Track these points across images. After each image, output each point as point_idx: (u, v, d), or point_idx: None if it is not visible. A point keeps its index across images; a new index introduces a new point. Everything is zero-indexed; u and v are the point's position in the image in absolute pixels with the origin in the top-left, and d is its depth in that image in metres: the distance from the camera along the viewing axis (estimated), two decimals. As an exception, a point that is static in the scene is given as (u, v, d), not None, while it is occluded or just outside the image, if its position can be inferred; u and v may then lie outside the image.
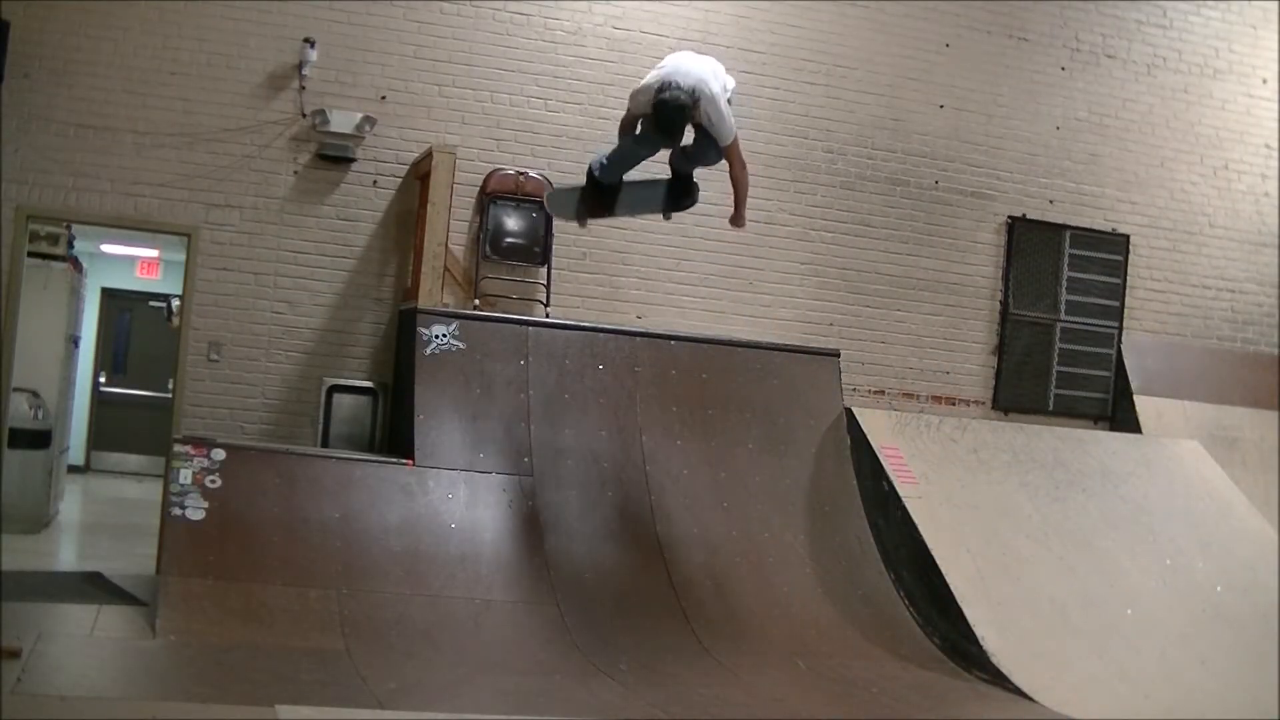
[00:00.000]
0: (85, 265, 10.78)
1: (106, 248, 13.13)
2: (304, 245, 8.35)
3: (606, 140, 8.86)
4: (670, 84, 6.16)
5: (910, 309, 9.60)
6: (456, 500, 7.10)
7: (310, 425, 8.17)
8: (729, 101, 6.44)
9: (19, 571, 6.90)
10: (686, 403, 7.91)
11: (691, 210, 9.05)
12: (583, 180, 6.89)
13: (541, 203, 8.65)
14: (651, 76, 6.32)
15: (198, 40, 8.18)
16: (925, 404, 9.51)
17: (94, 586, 6.96)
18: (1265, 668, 6.91)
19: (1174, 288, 10.27)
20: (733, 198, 6.67)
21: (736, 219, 6.74)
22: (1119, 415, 9.71)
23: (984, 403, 9.68)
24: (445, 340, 7.56)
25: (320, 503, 6.84)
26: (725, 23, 9.20)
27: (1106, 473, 8.32)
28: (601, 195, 6.88)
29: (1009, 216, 9.80)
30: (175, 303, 11.58)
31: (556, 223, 8.71)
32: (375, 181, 8.47)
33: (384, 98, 8.48)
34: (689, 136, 6.56)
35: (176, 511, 6.56)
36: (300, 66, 8.27)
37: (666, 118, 6.19)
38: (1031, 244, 9.81)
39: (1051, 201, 9.82)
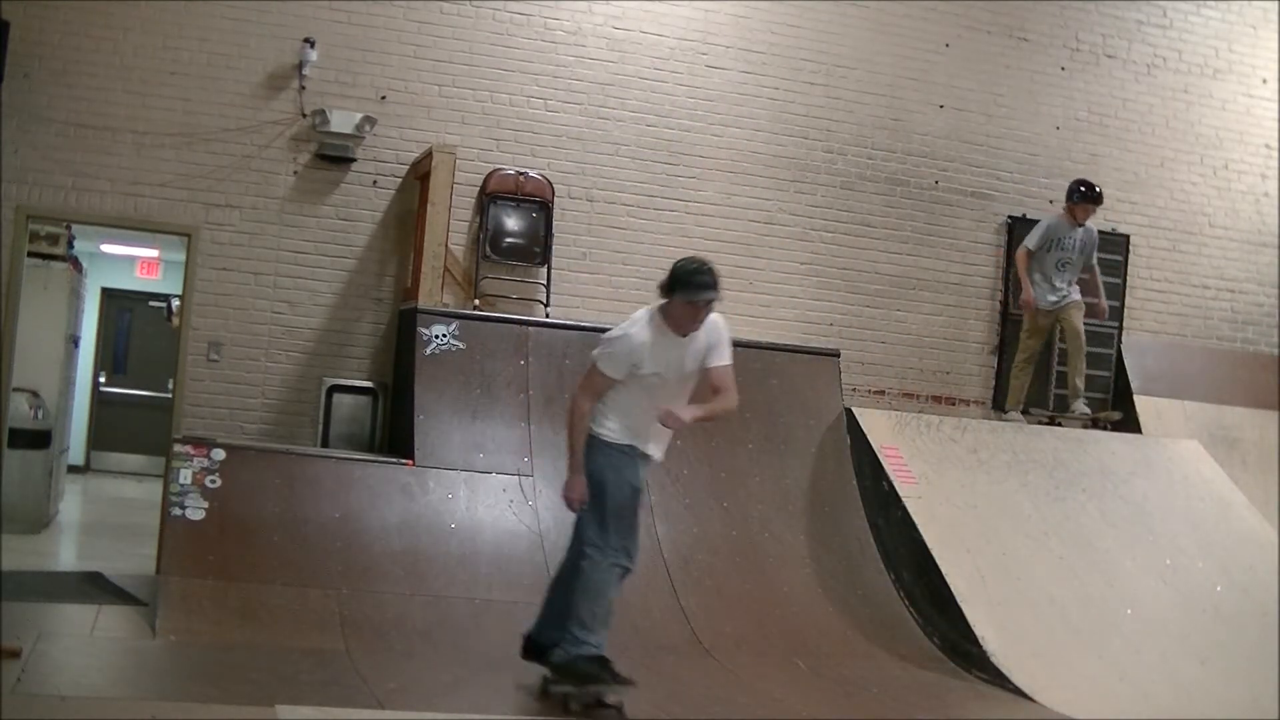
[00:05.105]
0: (85, 265, 10.78)
1: (106, 248, 13.13)
2: (304, 245, 8.35)
3: (608, 140, 8.97)
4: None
5: (910, 309, 9.60)
6: (456, 500, 7.10)
7: (310, 425, 8.17)
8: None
9: (19, 571, 6.89)
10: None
11: (691, 210, 9.13)
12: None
13: (542, 202, 8.67)
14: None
15: (198, 40, 8.19)
16: (925, 404, 9.51)
17: (94, 586, 6.96)
18: (1265, 667, 6.90)
19: (1174, 288, 10.28)
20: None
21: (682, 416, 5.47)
22: (1119, 409, 9.71)
23: (984, 403, 9.68)
24: (445, 340, 7.56)
25: (320, 503, 6.84)
26: (725, 23, 9.21)
27: (1106, 473, 8.31)
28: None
29: (1009, 216, 9.80)
30: (175, 303, 11.59)
31: (556, 222, 8.72)
32: (375, 181, 8.47)
33: (384, 98, 8.48)
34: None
35: (176, 511, 6.56)
36: (300, 66, 8.27)
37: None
38: (1031, 244, 9.81)
39: (1051, 201, 9.80)
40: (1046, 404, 9.67)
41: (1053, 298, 8.85)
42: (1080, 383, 8.91)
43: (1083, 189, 8.91)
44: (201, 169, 8.17)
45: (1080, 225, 8.87)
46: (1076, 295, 8.89)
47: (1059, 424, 9.02)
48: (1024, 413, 9.05)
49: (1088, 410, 9.01)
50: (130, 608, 6.49)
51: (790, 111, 9.34)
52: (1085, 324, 8.92)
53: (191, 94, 8.17)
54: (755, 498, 7.67)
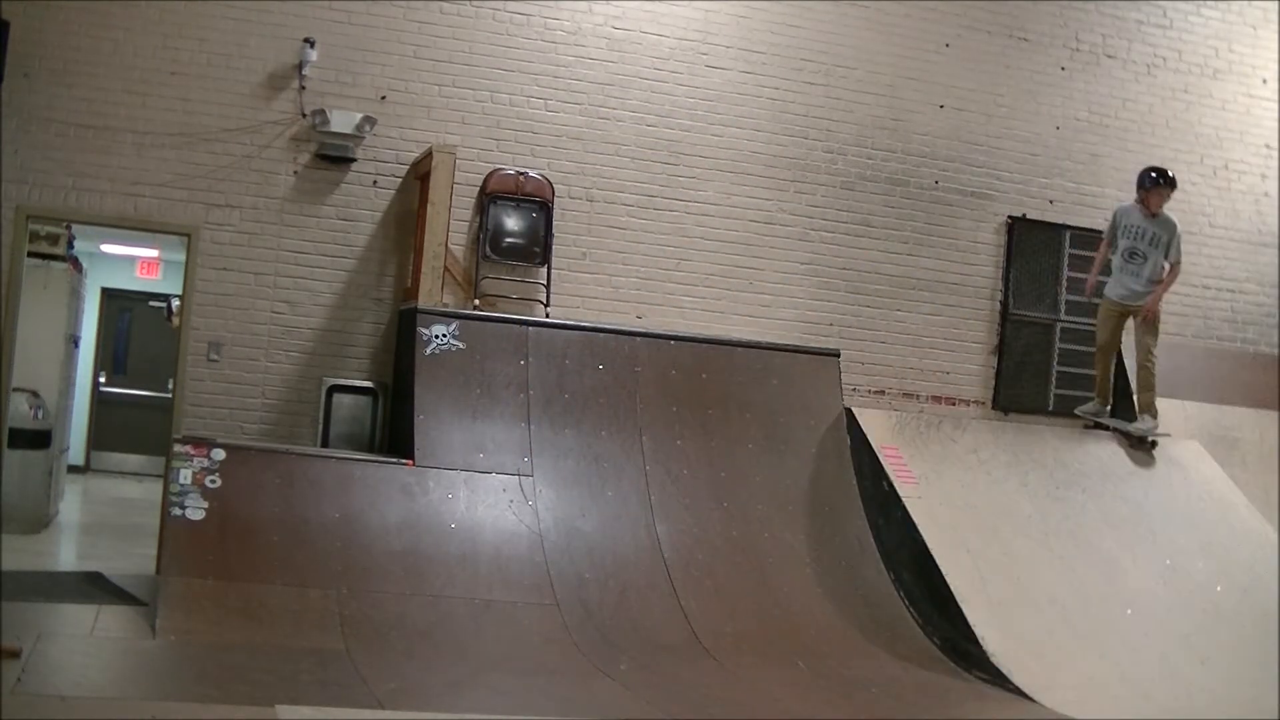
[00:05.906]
0: (85, 265, 10.78)
1: (106, 248, 13.13)
2: (304, 245, 8.35)
3: (608, 140, 8.97)
4: None
5: (910, 309, 9.59)
6: (456, 500, 7.10)
7: (310, 425, 8.17)
8: None
9: (19, 571, 6.90)
10: (686, 403, 7.91)
11: (691, 210, 9.13)
12: None
13: (541, 202, 8.67)
14: None
15: (198, 40, 8.19)
16: (925, 404, 9.51)
17: (94, 586, 6.96)
18: (1265, 668, 6.91)
19: (1174, 288, 10.24)
20: None
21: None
22: (1119, 415, 9.71)
23: (984, 403, 9.68)
24: (445, 340, 7.56)
25: (320, 503, 6.84)
26: (725, 23, 9.21)
27: (1106, 473, 8.31)
28: None
29: (1009, 216, 9.80)
30: (175, 303, 11.59)
31: (556, 222, 8.72)
32: (375, 181, 8.47)
33: (384, 98, 8.48)
34: None
35: (176, 511, 6.56)
36: (300, 66, 8.27)
37: None
38: (1031, 244, 9.81)
39: (1051, 201, 9.81)
40: (1046, 405, 9.67)
41: (1123, 291, 8.62)
42: (1142, 399, 8.63)
43: (1154, 174, 8.57)
44: (201, 169, 8.16)
45: (1154, 215, 8.57)
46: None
47: (1107, 429, 8.84)
48: (1107, 405, 8.82)
49: (1149, 429, 8.64)
50: (130, 608, 6.50)
51: (790, 111, 9.34)
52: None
53: (191, 94, 8.16)
54: (755, 498, 7.68)
